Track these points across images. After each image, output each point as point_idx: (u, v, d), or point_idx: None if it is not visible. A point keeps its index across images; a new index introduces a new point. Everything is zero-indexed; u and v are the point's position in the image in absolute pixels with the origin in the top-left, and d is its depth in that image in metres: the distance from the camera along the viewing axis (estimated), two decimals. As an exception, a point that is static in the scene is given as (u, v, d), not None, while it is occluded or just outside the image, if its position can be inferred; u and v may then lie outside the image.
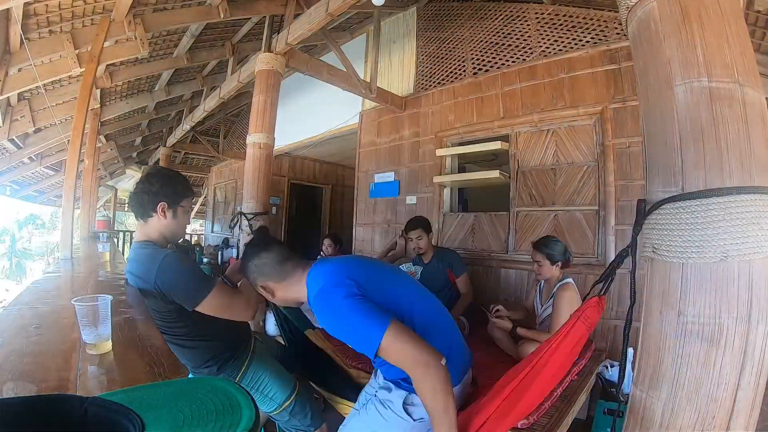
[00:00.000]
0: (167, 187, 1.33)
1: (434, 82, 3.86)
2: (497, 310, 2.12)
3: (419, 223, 2.66)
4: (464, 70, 3.61)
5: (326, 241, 3.97)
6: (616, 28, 2.71)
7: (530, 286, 2.57)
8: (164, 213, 1.32)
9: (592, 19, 2.84)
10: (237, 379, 1.41)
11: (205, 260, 5.78)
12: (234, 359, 1.43)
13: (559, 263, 2.10)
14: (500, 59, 3.34)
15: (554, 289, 2.07)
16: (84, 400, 0.34)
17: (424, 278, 2.71)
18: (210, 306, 1.24)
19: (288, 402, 1.46)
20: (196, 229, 11.03)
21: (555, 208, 2.90)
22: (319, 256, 3.96)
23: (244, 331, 1.54)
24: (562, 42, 2.97)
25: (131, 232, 8.36)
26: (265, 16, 3.26)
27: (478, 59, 3.50)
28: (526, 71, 3.14)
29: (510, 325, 2.07)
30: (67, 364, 0.80)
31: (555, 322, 1.96)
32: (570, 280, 2.09)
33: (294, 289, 1.21)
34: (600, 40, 2.79)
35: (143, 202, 1.32)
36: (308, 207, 7.02)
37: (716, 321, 0.66)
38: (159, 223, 1.33)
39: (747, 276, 0.65)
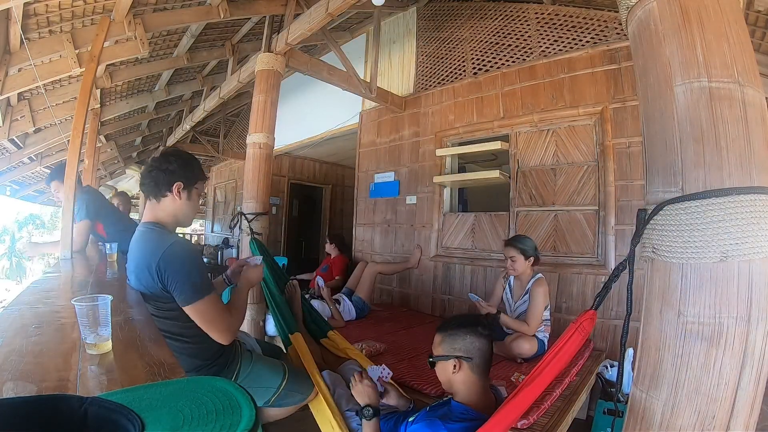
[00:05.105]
0: (185, 168, 1.30)
1: (434, 82, 3.85)
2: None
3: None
4: (464, 70, 3.61)
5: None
6: (616, 28, 2.71)
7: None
8: (179, 193, 1.28)
9: (592, 19, 2.84)
10: (234, 375, 1.42)
11: (205, 260, 5.78)
12: (233, 355, 1.44)
13: (532, 258, 2.18)
14: (500, 59, 3.33)
15: (528, 285, 2.16)
16: (84, 400, 0.34)
17: None
18: (197, 312, 1.17)
19: (284, 382, 1.51)
20: (196, 229, 10.99)
21: (555, 208, 2.90)
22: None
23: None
24: (562, 42, 2.96)
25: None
26: (265, 16, 3.26)
27: (478, 59, 3.49)
28: (526, 71, 3.14)
29: (494, 310, 2.16)
30: (67, 364, 0.80)
31: (532, 315, 2.09)
32: (541, 275, 2.19)
33: None
34: (600, 40, 2.78)
35: (159, 180, 1.27)
36: (308, 207, 7.02)
37: (716, 321, 0.66)
38: (173, 204, 1.29)
39: (747, 276, 0.65)
